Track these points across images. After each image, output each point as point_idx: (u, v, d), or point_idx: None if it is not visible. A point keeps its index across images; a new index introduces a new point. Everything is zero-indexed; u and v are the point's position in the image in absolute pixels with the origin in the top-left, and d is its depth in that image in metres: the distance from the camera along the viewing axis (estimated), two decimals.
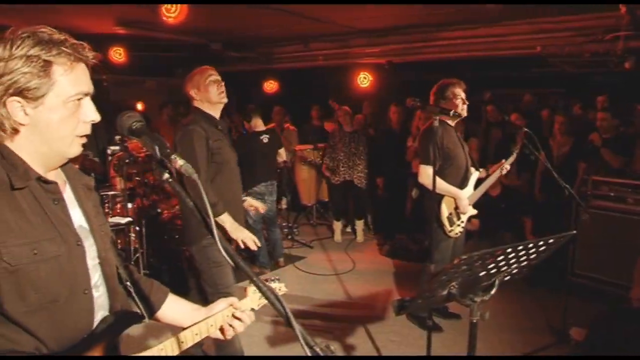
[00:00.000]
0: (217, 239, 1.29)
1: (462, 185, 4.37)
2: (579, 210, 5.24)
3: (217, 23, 6.39)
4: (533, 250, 2.10)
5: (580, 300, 5.18)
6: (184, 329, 1.68)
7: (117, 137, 7.24)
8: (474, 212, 4.46)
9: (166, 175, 1.36)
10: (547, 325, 4.65)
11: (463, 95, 4.31)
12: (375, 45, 7.06)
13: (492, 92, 9.21)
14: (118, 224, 5.52)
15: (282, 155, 6.73)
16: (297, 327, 1.20)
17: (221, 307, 1.76)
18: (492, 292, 2.14)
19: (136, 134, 1.42)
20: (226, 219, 3.29)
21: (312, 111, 9.16)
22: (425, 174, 4.18)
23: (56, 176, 1.46)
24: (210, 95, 3.42)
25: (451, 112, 3.85)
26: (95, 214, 1.56)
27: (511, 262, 2.09)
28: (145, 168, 6.14)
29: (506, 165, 4.57)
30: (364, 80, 8.01)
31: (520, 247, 2.04)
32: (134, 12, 5.61)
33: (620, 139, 5.58)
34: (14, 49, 1.29)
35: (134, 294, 1.67)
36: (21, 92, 1.30)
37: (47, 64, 1.32)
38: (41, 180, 1.38)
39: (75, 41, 1.38)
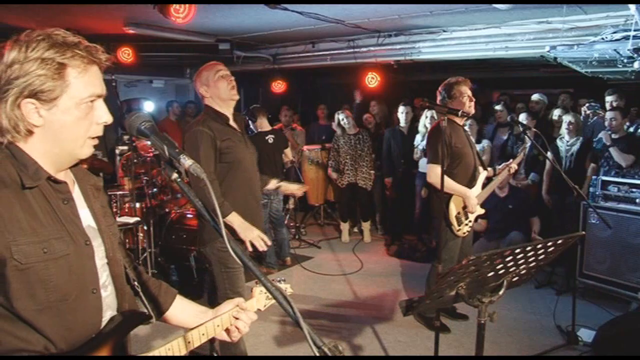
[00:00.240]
0: (225, 238, 1.30)
1: (470, 184, 4.36)
2: (587, 211, 5.24)
3: (226, 23, 6.40)
4: (541, 251, 2.10)
5: (588, 301, 5.17)
6: (191, 329, 1.69)
7: (126, 137, 7.28)
8: (482, 211, 4.45)
9: (175, 175, 1.37)
10: (556, 326, 4.63)
11: (469, 92, 4.31)
12: (384, 45, 7.04)
13: (500, 92, 9.20)
14: (126, 224, 5.55)
15: (288, 155, 6.74)
16: (305, 327, 1.20)
17: (228, 308, 1.76)
18: (501, 293, 2.14)
19: (145, 134, 1.42)
20: (234, 219, 3.20)
21: (317, 110, 9.17)
22: (434, 173, 4.18)
23: (65, 176, 1.47)
24: (220, 92, 3.31)
25: (460, 112, 3.85)
26: (104, 214, 1.57)
27: (519, 262, 2.08)
28: (153, 168, 6.17)
29: (514, 165, 4.56)
30: (372, 80, 7.98)
31: (529, 248, 2.03)
32: (143, 13, 5.62)
33: (629, 139, 5.54)
34: (29, 51, 1.30)
35: (142, 294, 1.68)
36: (36, 95, 1.31)
37: (62, 67, 1.32)
38: (51, 180, 1.39)
39: (88, 44, 1.39)
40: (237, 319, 1.75)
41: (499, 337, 4.43)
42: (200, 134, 3.20)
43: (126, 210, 6.11)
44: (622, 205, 5.06)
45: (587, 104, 6.67)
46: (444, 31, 6.45)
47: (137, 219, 5.74)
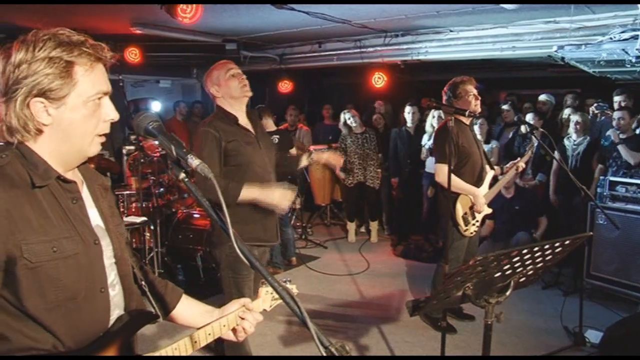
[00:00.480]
0: (232, 238, 1.30)
1: (477, 183, 4.36)
2: (595, 212, 5.21)
3: (232, 23, 6.41)
4: (549, 251, 2.09)
5: (596, 302, 5.15)
6: (198, 329, 1.69)
7: (133, 137, 7.30)
8: (489, 211, 4.44)
9: (182, 175, 1.37)
10: (563, 327, 4.61)
11: (474, 91, 4.32)
12: (390, 45, 7.04)
13: (507, 92, 9.17)
14: (133, 224, 5.57)
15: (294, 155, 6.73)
16: (312, 327, 1.20)
17: (234, 308, 1.76)
18: (508, 293, 2.13)
19: (153, 134, 1.43)
20: (249, 193, 3.05)
21: (323, 110, 9.16)
22: (442, 172, 4.17)
23: (74, 176, 1.48)
24: (232, 90, 3.21)
25: (467, 112, 3.85)
26: (111, 214, 1.58)
27: (527, 263, 2.08)
28: (160, 168, 6.19)
29: (521, 164, 4.55)
30: (379, 80, 7.97)
31: (536, 248, 2.03)
32: (150, 13, 5.64)
33: (638, 138, 5.51)
34: (36, 51, 1.31)
35: (149, 294, 1.69)
36: (44, 93, 1.32)
37: (69, 65, 1.33)
38: (61, 179, 1.40)
39: (94, 42, 1.40)
40: (243, 319, 1.76)
41: (505, 338, 4.41)
42: (205, 134, 3.14)
43: (133, 209, 6.13)
44: (630, 206, 5.03)
45: (595, 104, 6.64)
46: (451, 31, 6.44)
47: (144, 218, 5.76)
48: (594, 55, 5.11)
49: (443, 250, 4.26)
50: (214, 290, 5.26)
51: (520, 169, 4.61)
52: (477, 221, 4.39)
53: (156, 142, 1.76)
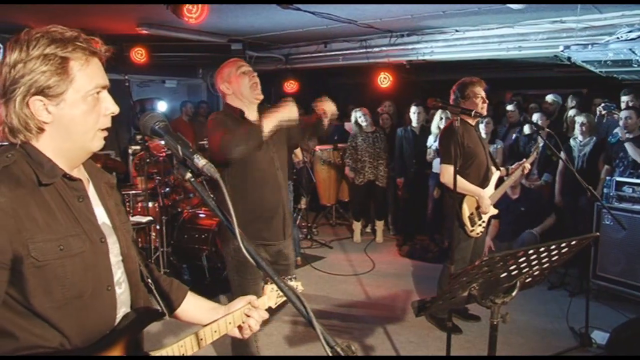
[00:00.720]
0: (238, 237, 1.30)
1: (483, 184, 4.35)
2: (601, 212, 5.19)
3: (238, 23, 6.43)
4: (555, 251, 2.08)
5: (602, 303, 5.13)
6: (204, 326, 1.70)
7: (139, 137, 7.32)
8: (495, 211, 4.43)
9: (188, 175, 1.37)
10: (569, 328, 4.59)
11: (483, 94, 4.30)
12: (396, 45, 7.04)
13: (513, 92, 9.14)
14: (139, 223, 5.59)
15: (298, 155, 6.73)
16: (318, 327, 1.20)
17: (240, 305, 1.77)
18: (513, 294, 2.13)
19: (159, 134, 1.43)
20: (268, 125, 2.95)
21: None
22: (448, 173, 4.17)
23: (79, 174, 1.48)
24: (242, 88, 3.11)
25: (472, 113, 3.85)
26: (117, 212, 1.58)
27: (533, 263, 2.07)
28: (166, 168, 6.20)
29: (527, 164, 4.54)
30: (385, 80, 7.97)
31: (542, 249, 2.02)
32: (155, 13, 5.66)
33: None
34: (30, 49, 1.31)
35: (154, 292, 1.69)
36: (42, 91, 1.32)
37: (64, 61, 1.34)
38: (66, 177, 1.41)
39: (87, 36, 1.40)
40: (248, 316, 1.76)
41: (511, 339, 4.40)
42: (216, 117, 3.13)
43: (139, 209, 6.15)
44: (637, 207, 5.02)
45: (602, 104, 6.61)
46: (457, 31, 6.43)
47: (150, 218, 5.77)
48: (601, 55, 5.09)
49: (449, 250, 4.25)
50: (219, 290, 5.29)
51: (526, 170, 4.60)
52: (484, 222, 4.38)
53: (162, 142, 1.76)
